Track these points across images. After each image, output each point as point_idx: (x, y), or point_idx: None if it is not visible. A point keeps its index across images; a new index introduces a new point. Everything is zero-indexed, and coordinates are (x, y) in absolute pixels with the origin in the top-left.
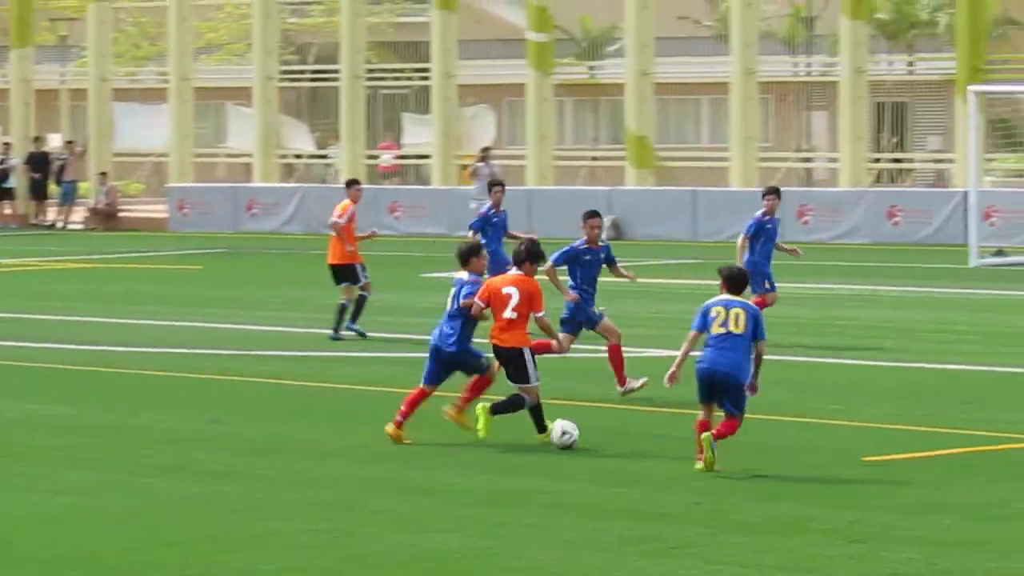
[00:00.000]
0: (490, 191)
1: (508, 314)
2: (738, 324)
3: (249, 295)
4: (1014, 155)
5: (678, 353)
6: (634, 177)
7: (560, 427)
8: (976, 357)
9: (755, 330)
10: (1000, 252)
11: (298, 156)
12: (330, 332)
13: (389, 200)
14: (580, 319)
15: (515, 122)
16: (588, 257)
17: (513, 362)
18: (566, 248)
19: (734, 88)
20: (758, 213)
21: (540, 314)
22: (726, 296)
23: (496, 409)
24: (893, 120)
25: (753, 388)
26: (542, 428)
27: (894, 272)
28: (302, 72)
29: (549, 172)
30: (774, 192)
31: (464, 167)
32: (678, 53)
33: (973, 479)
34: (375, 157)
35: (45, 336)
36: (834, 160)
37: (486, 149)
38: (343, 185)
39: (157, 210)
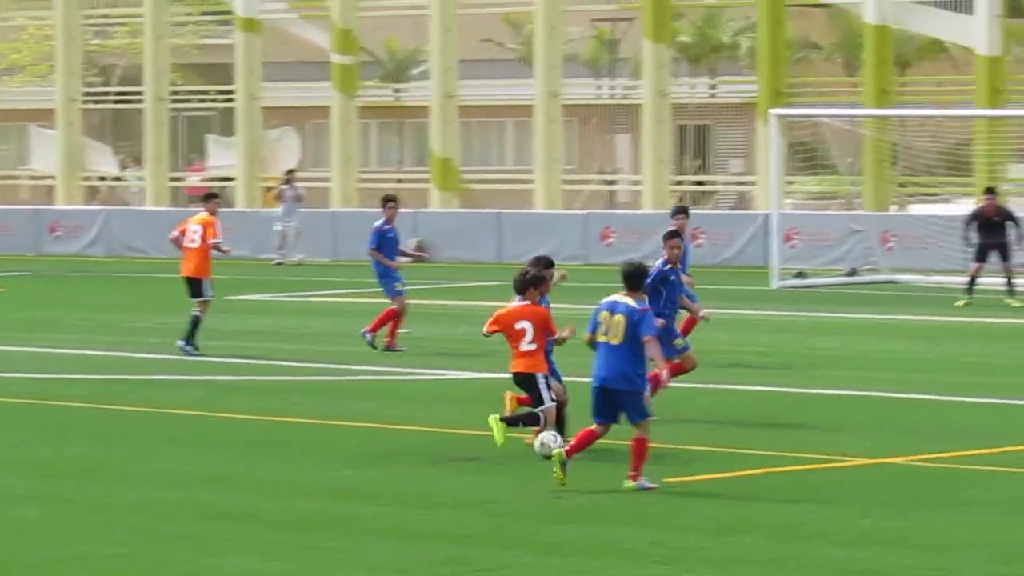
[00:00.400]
0: (384, 206)
1: (526, 347)
2: (616, 333)
3: (52, 318)
4: (814, 178)
5: None
6: (439, 199)
7: (546, 438)
8: (777, 378)
9: (636, 333)
10: (801, 274)
11: (102, 178)
12: (186, 345)
13: None
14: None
15: (320, 144)
16: (673, 277)
17: (527, 386)
18: (652, 272)
19: (538, 111)
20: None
21: (555, 336)
22: (618, 297)
23: (510, 421)
24: (696, 143)
25: (658, 379)
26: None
27: (696, 294)
28: (106, 94)
29: (354, 195)
30: (682, 211)
31: (268, 189)
32: (482, 76)
33: (773, 499)
34: (180, 179)
35: None
36: (637, 183)
37: (290, 171)
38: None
39: None
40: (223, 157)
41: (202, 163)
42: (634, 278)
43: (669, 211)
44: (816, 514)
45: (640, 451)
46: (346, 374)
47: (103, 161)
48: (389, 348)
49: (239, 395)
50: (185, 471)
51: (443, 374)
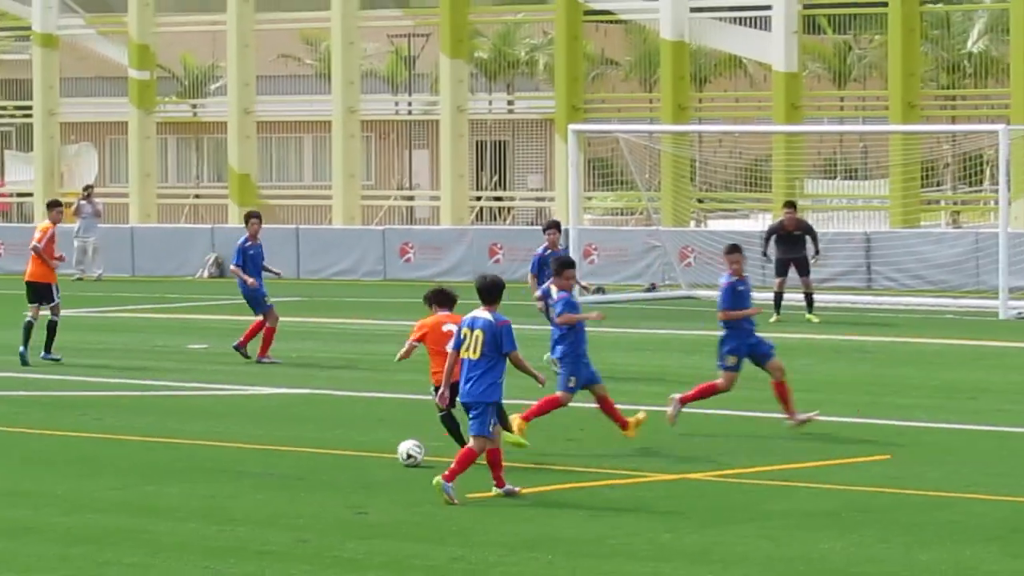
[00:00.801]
0: (247, 223)
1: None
2: (475, 349)
3: None
4: (613, 193)
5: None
6: (237, 215)
7: (407, 447)
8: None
9: (496, 349)
10: (600, 290)
11: None
12: (20, 349)
13: None
14: (744, 354)
15: (118, 160)
16: (742, 288)
17: None
18: (725, 287)
19: (336, 126)
20: (539, 249)
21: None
22: (478, 312)
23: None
24: (494, 158)
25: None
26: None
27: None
28: None
29: (152, 210)
30: (554, 226)
31: (67, 205)
32: (280, 92)
33: (574, 515)
34: None
35: None
36: (436, 198)
37: (89, 187)
38: None
39: None
40: (21, 172)
41: (0, 178)
42: (489, 292)
43: (541, 226)
44: (618, 529)
45: (464, 460)
46: (146, 389)
47: None
48: (262, 360)
49: (37, 410)
50: None
51: (244, 390)
